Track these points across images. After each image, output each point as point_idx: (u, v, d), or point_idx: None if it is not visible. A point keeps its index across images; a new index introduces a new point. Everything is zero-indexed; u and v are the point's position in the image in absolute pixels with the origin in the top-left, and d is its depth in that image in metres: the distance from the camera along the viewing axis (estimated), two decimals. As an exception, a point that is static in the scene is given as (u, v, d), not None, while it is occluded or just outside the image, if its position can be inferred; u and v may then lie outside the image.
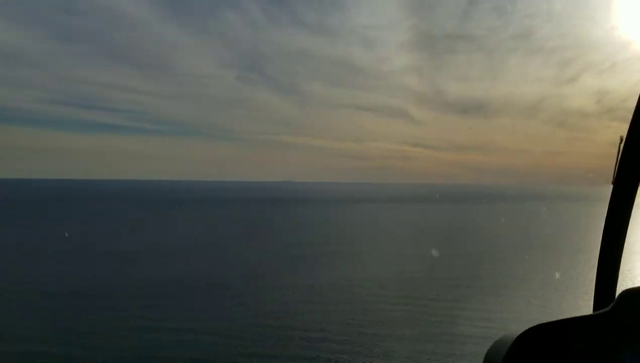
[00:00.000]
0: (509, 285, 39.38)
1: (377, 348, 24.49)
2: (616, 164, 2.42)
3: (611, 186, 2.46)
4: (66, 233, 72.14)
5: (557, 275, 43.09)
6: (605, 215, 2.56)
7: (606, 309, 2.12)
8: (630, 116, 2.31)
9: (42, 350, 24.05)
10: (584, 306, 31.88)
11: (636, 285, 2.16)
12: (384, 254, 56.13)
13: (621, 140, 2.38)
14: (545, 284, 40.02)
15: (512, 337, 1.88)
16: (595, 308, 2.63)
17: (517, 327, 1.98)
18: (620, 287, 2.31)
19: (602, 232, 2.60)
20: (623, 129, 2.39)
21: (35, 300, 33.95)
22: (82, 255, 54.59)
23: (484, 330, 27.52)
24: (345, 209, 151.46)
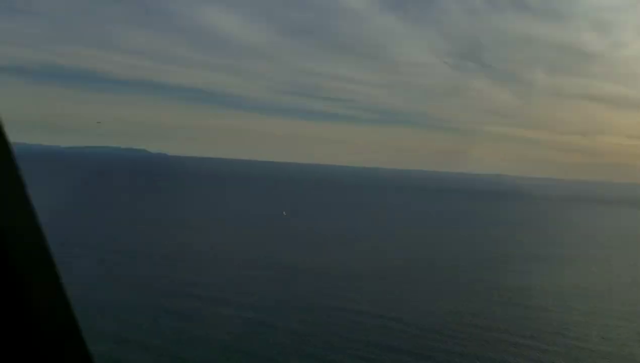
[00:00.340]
0: None
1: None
2: None
3: None
4: (284, 213, 77.20)
5: None
6: None
7: None
8: None
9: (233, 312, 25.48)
10: None
11: None
12: (617, 263, 48.99)
13: None
14: None
15: None
16: None
17: None
18: None
19: None
20: None
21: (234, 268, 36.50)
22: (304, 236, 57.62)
23: None
24: (569, 209, 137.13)
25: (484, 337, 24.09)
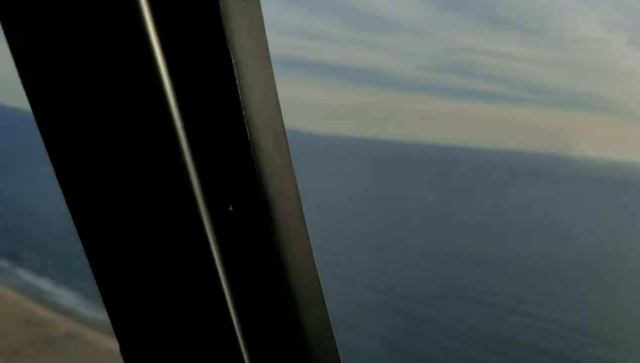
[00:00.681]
0: None
1: None
2: None
3: None
4: (430, 196, 75.34)
5: None
6: None
7: None
8: None
9: (398, 304, 24.76)
10: None
11: None
12: None
13: None
14: None
15: None
16: None
17: None
18: None
19: None
20: None
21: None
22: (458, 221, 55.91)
23: None
24: None
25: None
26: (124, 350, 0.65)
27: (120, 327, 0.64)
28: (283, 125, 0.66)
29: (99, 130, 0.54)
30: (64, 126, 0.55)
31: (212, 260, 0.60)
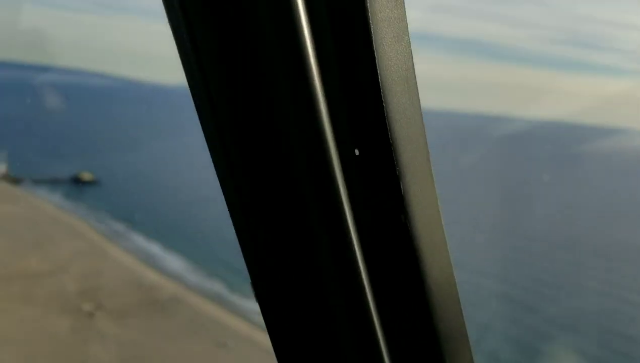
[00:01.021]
0: None
1: None
2: None
3: None
4: (545, 177, 70.52)
5: None
6: None
7: None
8: None
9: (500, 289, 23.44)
10: None
11: None
12: None
13: None
14: None
15: None
16: None
17: None
18: None
19: None
20: None
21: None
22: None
23: None
24: None
25: None
26: (258, 294, 0.69)
27: (256, 275, 0.67)
28: (413, 68, 0.65)
29: (242, 80, 0.56)
30: (211, 85, 0.57)
31: (341, 203, 0.61)
